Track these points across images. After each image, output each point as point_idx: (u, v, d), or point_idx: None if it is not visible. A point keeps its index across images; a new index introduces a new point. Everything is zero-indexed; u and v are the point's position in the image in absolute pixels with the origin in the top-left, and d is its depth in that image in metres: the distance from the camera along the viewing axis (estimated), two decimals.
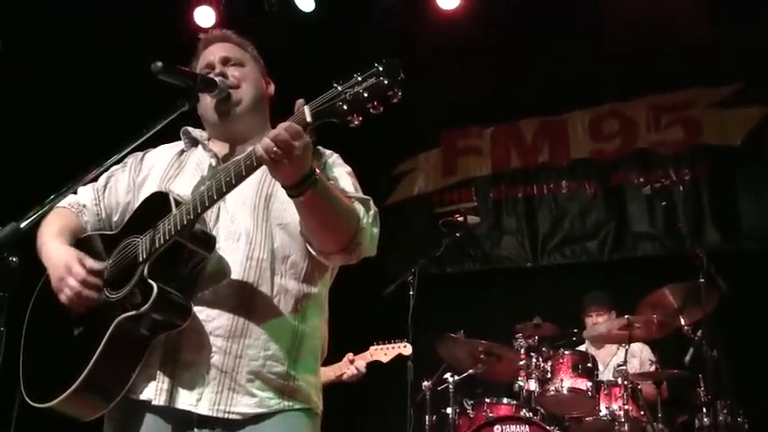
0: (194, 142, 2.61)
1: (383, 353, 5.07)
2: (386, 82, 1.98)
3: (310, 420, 2.38)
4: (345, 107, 1.99)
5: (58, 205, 2.48)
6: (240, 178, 2.14)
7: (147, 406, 2.24)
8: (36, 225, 2.33)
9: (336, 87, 2.02)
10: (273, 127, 2.57)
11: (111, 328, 2.18)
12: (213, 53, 2.60)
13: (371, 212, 2.37)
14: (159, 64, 2.30)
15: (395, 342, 5.16)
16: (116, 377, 2.22)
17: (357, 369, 4.98)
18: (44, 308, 2.44)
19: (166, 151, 2.64)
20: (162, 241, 2.20)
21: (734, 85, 7.55)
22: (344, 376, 4.96)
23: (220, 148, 2.55)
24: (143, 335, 2.21)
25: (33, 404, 2.32)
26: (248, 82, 2.56)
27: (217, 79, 2.47)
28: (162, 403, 2.21)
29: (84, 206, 2.62)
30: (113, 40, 6.84)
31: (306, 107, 2.06)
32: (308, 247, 2.36)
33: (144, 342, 2.22)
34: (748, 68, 7.33)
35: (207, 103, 2.51)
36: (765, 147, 7.30)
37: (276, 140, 2.02)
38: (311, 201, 2.15)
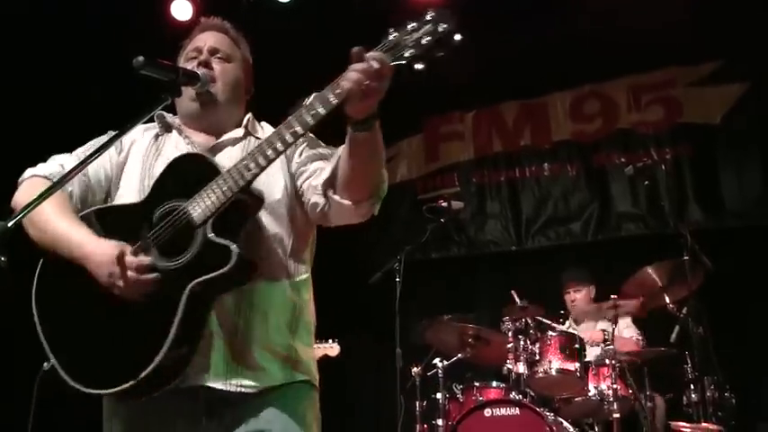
0: (168, 128, 2.59)
1: None
2: (444, 26, 2.04)
3: (313, 393, 2.42)
4: (412, 51, 2.04)
5: (36, 174, 2.45)
6: (317, 120, 2.13)
7: None
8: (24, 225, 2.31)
9: (393, 34, 2.06)
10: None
11: (186, 295, 2.12)
12: (204, 40, 2.61)
13: None
14: (141, 59, 2.27)
15: (322, 342, 5.10)
16: (190, 347, 2.17)
17: None
18: (63, 296, 2.31)
19: (143, 133, 2.61)
20: (223, 199, 2.17)
21: (713, 62, 7.57)
22: None
23: (196, 137, 2.55)
24: (210, 300, 2.19)
25: (96, 392, 2.21)
26: (227, 80, 2.55)
27: (199, 72, 2.47)
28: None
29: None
30: (91, 35, 6.79)
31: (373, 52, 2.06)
32: (335, 198, 2.32)
33: (206, 311, 2.20)
34: (727, 46, 7.34)
35: (187, 94, 2.50)
36: (746, 123, 7.34)
37: (378, 72, 2.03)
38: (374, 135, 2.21)
